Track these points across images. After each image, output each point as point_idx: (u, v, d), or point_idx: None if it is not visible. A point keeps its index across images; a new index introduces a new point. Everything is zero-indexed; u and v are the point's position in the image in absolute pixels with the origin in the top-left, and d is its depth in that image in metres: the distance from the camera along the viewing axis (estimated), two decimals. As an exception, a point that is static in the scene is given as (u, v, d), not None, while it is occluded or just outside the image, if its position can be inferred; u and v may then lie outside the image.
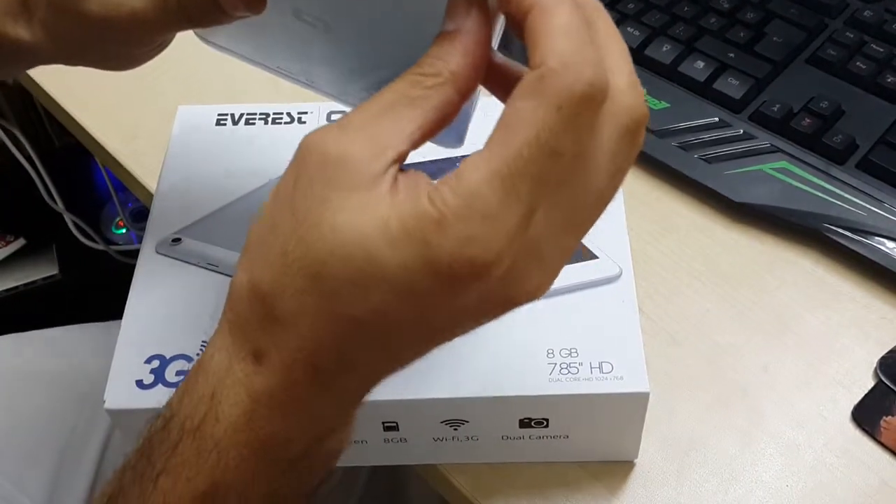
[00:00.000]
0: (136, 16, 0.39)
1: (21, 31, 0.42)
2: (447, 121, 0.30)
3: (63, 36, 0.41)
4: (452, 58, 0.30)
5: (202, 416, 0.31)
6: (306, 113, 0.55)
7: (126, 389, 0.43)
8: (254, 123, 0.55)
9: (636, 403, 0.43)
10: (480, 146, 0.29)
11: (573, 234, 0.30)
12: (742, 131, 0.60)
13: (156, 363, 0.44)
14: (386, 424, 0.45)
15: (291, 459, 0.32)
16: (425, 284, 0.28)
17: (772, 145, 0.59)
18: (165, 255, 0.48)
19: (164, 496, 0.32)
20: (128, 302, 0.46)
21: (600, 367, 0.43)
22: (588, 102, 0.28)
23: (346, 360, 0.30)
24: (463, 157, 0.29)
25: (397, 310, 0.29)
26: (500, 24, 0.33)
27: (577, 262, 0.47)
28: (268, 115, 0.56)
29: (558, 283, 0.46)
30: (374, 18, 0.36)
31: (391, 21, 0.35)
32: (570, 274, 0.47)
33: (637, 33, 0.65)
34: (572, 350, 0.44)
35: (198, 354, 0.44)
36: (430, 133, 0.30)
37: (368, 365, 0.31)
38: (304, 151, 0.30)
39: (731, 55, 0.63)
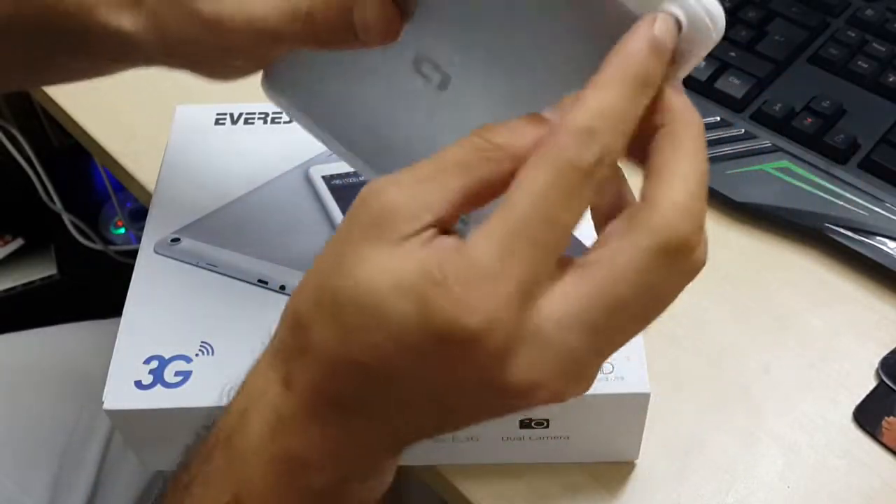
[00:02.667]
0: (253, 24, 0.37)
1: (125, 22, 0.40)
2: (496, 196, 0.30)
3: (170, 32, 0.39)
4: (525, 140, 0.30)
5: (233, 428, 0.32)
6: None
7: (125, 390, 0.43)
8: (252, 123, 0.55)
9: (637, 404, 0.43)
10: None
11: (581, 331, 0.29)
12: (743, 131, 0.60)
13: (154, 364, 0.44)
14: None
15: (316, 492, 0.32)
16: (420, 340, 0.28)
17: (773, 145, 0.59)
18: (164, 255, 0.48)
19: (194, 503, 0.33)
20: (126, 302, 0.46)
21: (601, 368, 0.43)
22: (586, 175, 0.29)
23: (361, 402, 0.31)
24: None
25: (397, 361, 0.29)
26: None
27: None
28: (267, 114, 0.56)
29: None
30: (523, 53, 0.35)
31: (541, 64, 0.35)
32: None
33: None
34: (573, 350, 0.44)
35: (197, 355, 0.44)
36: (475, 203, 0.30)
37: (383, 414, 0.31)
38: (359, 197, 0.31)
39: (733, 54, 0.63)
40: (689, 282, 0.30)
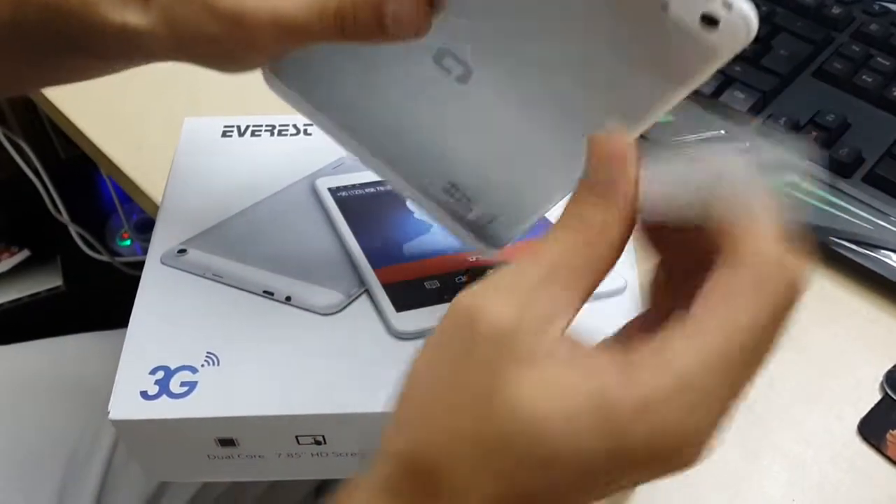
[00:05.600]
0: (279, 20, 0.36)
1: (132, 17, 0.38)
2: (600, 282, 0.30)
3: (183, 28, 0.38)
4: (617, 227, 0.29)
5: None
6: (312, 125, 0.55)
7: (130, 400, 0.43)
8: (260, 135, 0.55)
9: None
10: None
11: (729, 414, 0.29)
12: (748, 144, 0.60)
13: (160, 374, 0.44)
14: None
15: None
16: (606, 467, 0.27)
17: (777, 158, 0.59)
18: (171, 266, 0.48)
19: None
20: (133, 312, 0.46)
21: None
22: (795, 297, 0.28)
23: None
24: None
25: (572, 485, 0.27)
26: None
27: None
28: (274, 126, 0.56)
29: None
30: (549, 51, 0.35)
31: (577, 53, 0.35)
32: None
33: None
34: (578, 363, 0.44)
35: (202, 365, 0.44)
36: (589, 297, 0.29)
37: None
38: (467, 318, 0.28)
39: (738, 68, 0.63)
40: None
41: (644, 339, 0.27)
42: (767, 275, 0.28)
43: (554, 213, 0.32)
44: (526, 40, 0.36)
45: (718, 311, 0.27)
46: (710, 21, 0.31)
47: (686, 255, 0.31)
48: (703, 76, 0.33)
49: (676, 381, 0.26)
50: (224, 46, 0.38)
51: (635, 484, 0.29)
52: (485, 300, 0.28)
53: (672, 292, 0.32)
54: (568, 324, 0.28)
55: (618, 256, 0.29)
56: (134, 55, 0.42)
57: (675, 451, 0.27)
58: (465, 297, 0.28)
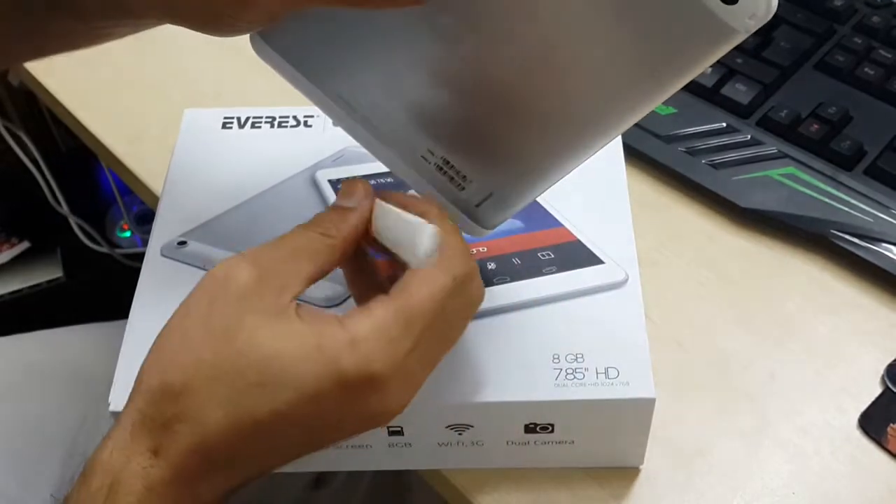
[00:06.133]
0: None
1: None
2: (328, 273, 0.38)
3: None
4: (348, 226, 0.38)
5: None
6: (312, 116, 0.55)
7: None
8: (260, 127, 0.55)
9: (642, 409, 0.43)
10: None
11: (430, 366, 0.37)
12: (749, 137, 0.60)
13: (160, 366, 0.44)
14: (391, 429, 0.45)
15: None
16: (330, 392, 0.34)
17: (779, 151, 0.59)
18: (171, 258, 0.48)
19: None
20: (133, 304, 0.46)
21: (606, 373, 0.43)
22: (470, 277, 0.37)
23: (237, 457, 0.35)
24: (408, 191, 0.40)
25: (298, 412, 0.34)
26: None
27: (583, 267, 0.47)
28: (274, 118, 0.56)
29: (564, 288, 0.46)
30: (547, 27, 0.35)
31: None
32: (575, 279, 0.47)
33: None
34: (578, 356, 0.44)
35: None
36: (318, 279, 0.37)
37: (253, 462, 0.35)
38: (221, 278, 0.35)
39: (739, 60, 0.63)
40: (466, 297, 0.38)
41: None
42: (452, 258, 0.37)
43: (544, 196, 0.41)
44: (532, 13, 0.35)
45: (399, 299, 0.36)
46: None
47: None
48: (719, 53, 0.32)
49: (374, 325, 0.34)
50: (218, 9, 0.36)
51: (362, 427, 0.36)
52: (237, 267, 0.35)
53: (374, 287, 0.40)
54: (298, 294, 0.36)
55: (340, 257, 0.38)
56: (114, 13, 0.41)
57: (383, 380, 0.34)
58: (222, 264, 0.36)
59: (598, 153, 0.39)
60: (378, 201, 0.39)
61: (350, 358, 0.34)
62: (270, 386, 0.33)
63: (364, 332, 0.34)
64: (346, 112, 0.41)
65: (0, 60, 0.54)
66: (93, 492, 0.34)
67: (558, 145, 0.39)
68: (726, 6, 0.30)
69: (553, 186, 0.41)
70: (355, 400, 0.34)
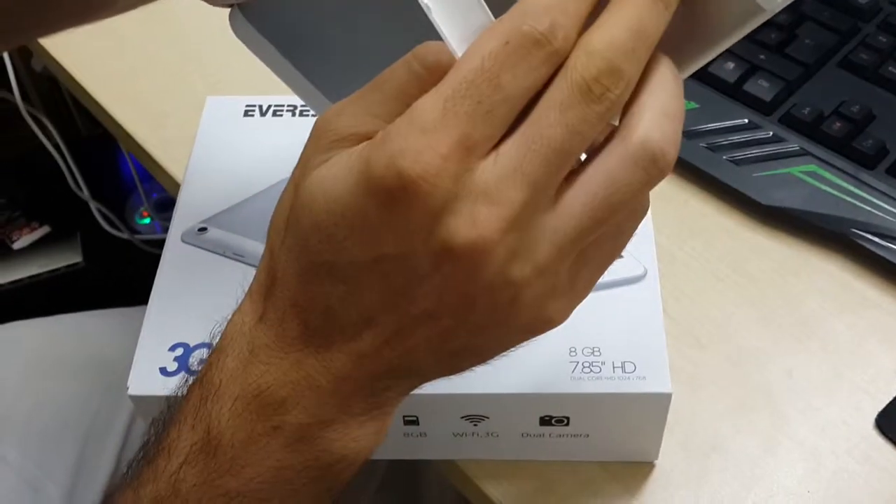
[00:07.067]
0: None
1: None
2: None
3: None
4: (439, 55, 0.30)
5: (209, 366, 0.33)
6: (334, 106, 0.55)
7: (149, 376, 0.43)
8: (281, 115, 0.56)
9: (658, 404, 0.43)
10: None
11: (523, 183, 0.28)
12: (771, 134, 0.59)
13: (179, 351, 0.44)
14: (406, 418, 0.45)
15: (288, 433, 0.32)
16: (366, 205, 0.28)
17: (801, 148, 0.59)
18: (191, 244, 0.49)
19: (170, 442, 0.33)
20: (153, 290, 0.47)
21: (623, 367, 0.43)
22: (533, 43, 0.28)
23: (331, 316, 0.31)
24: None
25: (355, 244, 0.29)
26: None
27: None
28: (295, 106, 0.56)
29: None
30: None
31: None
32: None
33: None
34: (595, 349, 0.44)
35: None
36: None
37: (353, 328, 0.31)
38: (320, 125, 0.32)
39: (762, 57, 0.63)
40: (564, 81, 0.28)
41: None
42: (507, 16, 0.28)
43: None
44: None
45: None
46: None
47: None
48: (745, 30, 0.31)
49: (409, 116, 0.28)
50: None
51: (438, 284, 0.29)
52: (335, 112, 0.31)
53: None
54: (372, 132, 0.30)
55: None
56: None
57: (419, 178, 0.27)
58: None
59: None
60: None
61: (376, 157, 0.28)
62: (323, 223, 0.29)
63: (394, 126, 0.28)
64: (321, 91, 0.40)
65: (14, 36, 0.54)
66: (210, 356, 0.33)
67: None
68: None
69: None
70: (400, 214, 0.28)
